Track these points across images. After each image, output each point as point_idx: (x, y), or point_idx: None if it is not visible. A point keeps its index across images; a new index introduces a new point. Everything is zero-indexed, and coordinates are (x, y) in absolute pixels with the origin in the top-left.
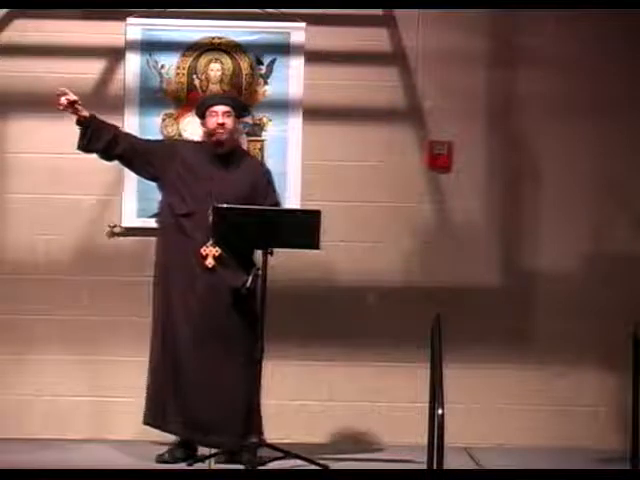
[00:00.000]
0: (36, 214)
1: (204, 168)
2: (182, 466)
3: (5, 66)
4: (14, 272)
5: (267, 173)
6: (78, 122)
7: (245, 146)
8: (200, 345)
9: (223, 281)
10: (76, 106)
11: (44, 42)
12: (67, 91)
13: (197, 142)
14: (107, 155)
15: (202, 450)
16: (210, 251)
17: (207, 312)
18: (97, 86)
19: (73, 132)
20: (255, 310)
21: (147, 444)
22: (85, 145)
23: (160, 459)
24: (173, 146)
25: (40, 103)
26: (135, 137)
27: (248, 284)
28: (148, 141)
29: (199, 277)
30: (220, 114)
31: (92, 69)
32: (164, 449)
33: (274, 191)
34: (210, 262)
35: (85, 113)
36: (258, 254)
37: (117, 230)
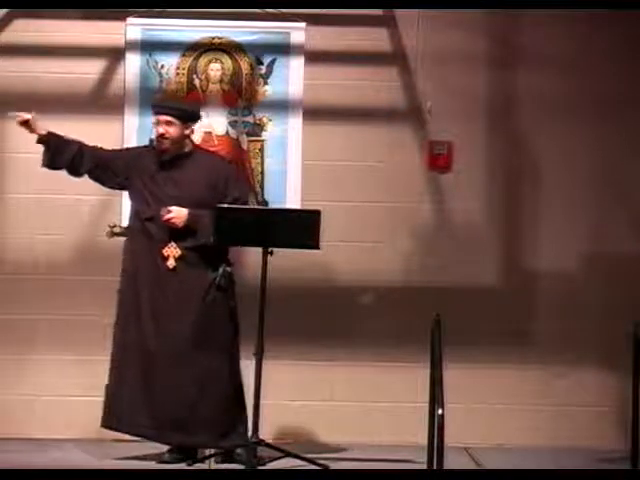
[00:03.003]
0: (36, 214)
1: (161, 171)
2: (182, 466)
3: (5, 66)
4: (14, 272)
5: (229, 170)
6: (38, 141)
7: (245, 146)
8: (169, 346)
9: (188, 280)
10: (29, 124)
11: (44, 42)
12: (18, 113)
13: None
14: (74, 170)
15: (202, 450)
16: (171, 252)
17: (175, 312)
18: (97, 86)
19: (73, 132)
20: (230, 307)
21: (147, 444)
22: (49, 162)
23: (160, 459)
24: (135, 152)
25: (40, 103)
26: (100, 149)
27: (217, 281)
28: (113, 151)
29: (164, 278)
30: (161, 123)
31: (92, 69)
32: (164, 448)
33: (237, 186)
34: (171, 263)
35: (42, 131)
36: (231, 252)
37: (117, 230)
